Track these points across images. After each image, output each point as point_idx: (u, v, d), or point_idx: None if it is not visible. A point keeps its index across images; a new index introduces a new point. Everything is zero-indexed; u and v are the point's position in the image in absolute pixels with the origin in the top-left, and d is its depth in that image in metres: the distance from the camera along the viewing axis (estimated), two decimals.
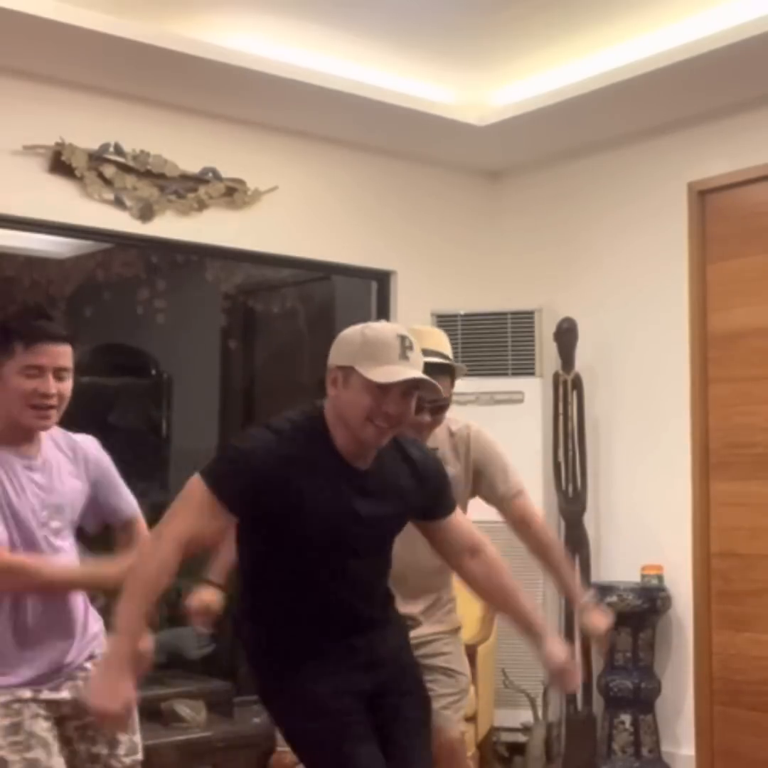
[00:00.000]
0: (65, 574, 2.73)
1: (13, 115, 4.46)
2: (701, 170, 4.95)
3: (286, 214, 5.18)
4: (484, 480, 3.28)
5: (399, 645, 2.73)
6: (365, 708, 2.58)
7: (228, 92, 4.74)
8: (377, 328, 2.50)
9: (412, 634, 2.93)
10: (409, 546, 2.78)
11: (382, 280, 5.60)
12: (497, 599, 2.76)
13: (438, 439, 3.19)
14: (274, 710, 2.66)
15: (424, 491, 2.63)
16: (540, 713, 4.99)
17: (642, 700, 4.79)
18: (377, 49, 4.65)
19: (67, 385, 2.68)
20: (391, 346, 2.44)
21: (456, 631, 3.38)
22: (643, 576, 4.92)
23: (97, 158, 4.64)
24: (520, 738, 5.04)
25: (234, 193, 5.02)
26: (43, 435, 2.73)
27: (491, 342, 5.40)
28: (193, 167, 4.91)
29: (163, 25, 4.31)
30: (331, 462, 2.49)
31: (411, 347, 2.46)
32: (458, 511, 2.73)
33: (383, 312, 5.57)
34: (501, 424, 5.27)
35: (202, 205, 4.93)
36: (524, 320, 5.37)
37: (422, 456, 2.68)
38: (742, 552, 4.76)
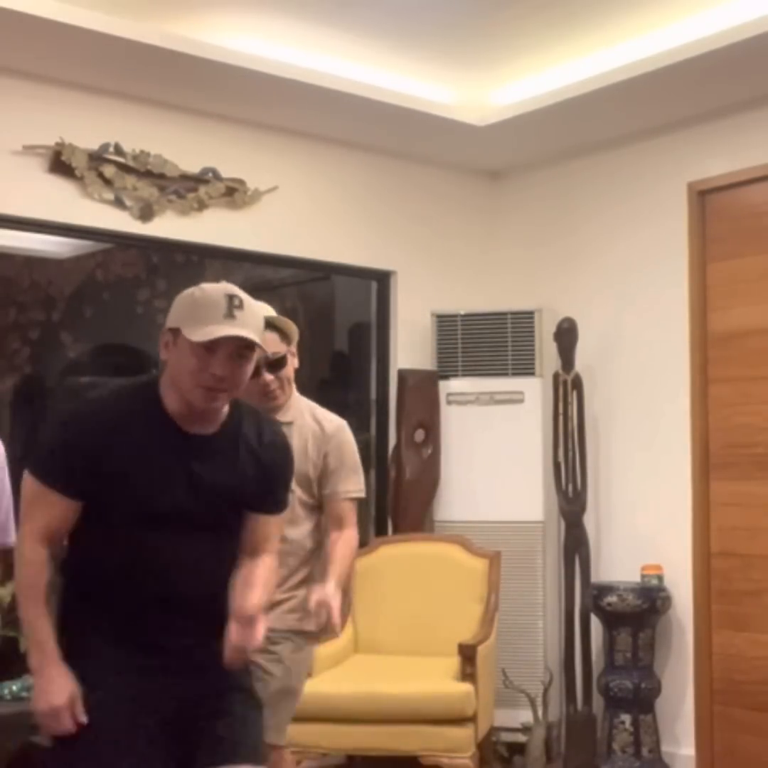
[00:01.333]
0: None
1: (13, 115, 4.46)
2: (701, 170, 4.95)
3: (286, 214, 5.19)
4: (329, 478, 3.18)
5: (227, 686, 2.47)
6: (160, 734, 2.37)
7: (228, 92, 4.74)
8: (207, 288, 2.41)
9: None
10: None
11: (382, 280, 5.60)
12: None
13: (298, 415, 3.13)
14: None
15: (263, 478, 2.50)
16: (540, 713, 4.99)
17: (642, 700, 4.79)
18: (377, 49, 4.65)
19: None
20: (218, 305, 2.36)
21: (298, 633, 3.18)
22: (643, 576, 4.93)
23: (97, 158, 4.64)
24: (520, 738, 5.05)
25: (234, 193, 5.02)
26: None
27: (491, 342, 5.40)
28: (193, 167, 4.91)
29: (163, 25, 4.31)
30: (160, 427, 2.40)
31: (240, 306, 2.37)
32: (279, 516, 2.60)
33: (383, 312, 5.58)
34: (501, 424, 5.32)
35: (202, 205, 4.93)
36: (524, 320, 5.37)
37: (273, 439, 2.56)
38: (742, 552, 4.75)
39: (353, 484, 3.20)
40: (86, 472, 2.35)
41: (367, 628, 4.88)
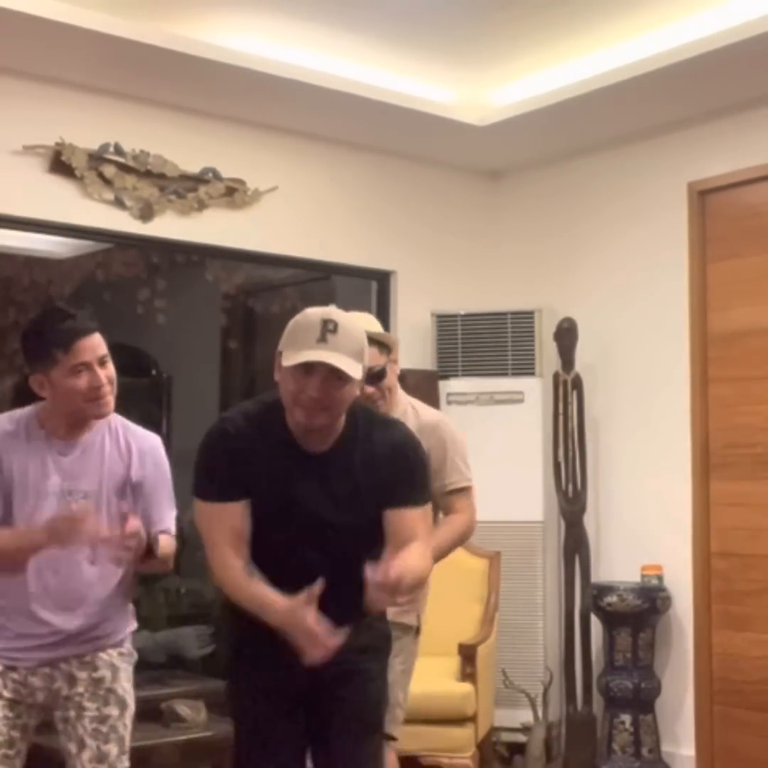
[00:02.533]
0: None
1: (13, 115, 4.46)
2: (701, 170, 4.95)
3: (286, 214, 5.18)
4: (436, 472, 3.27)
5: (357, 647, 2.58)
6: (297, 708, 2.64)
7: (228, 92, 4.74)
8: (308, 312, 2.51)
9: None
10: None
11: (382, 280, 5.60)
12: None
13: (402, 415, 3.25)
14: (226, 689, 2.77)
15: (388, 476, 2.55)
16: (540, 713, 4.99)
17: (642, 700, 4.79)
18: (377, 48, 4.65)
19: (112, 369, 2.81)
20: (312, 329, 2.46)
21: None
22: (643, 576, 4.93)
23: (97, 158, 4.64)
24: (520, 738, 5.05)
25: (234, 193, 5.02)
26: (95, 423, 2.83)
27: (491, 342, 5.40)
28: (193, 167, 4.91)
29: (163, 25, 4.30)
30: (284, 444, 2.54)
31: (334, 330, 2.45)
32: (421, 509, 2.63)
33: (383, 312, 5.57)
34: (501, 424, 5.32)
35: (202, 205, 4.93)
36: (524, 320, 5.37)
37: (392, 438, 2.61)
38: (742, 552, 4.75)
39: (457, 475, 3.43)
40: (236, 481, 2.52)
41: None
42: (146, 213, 4.78)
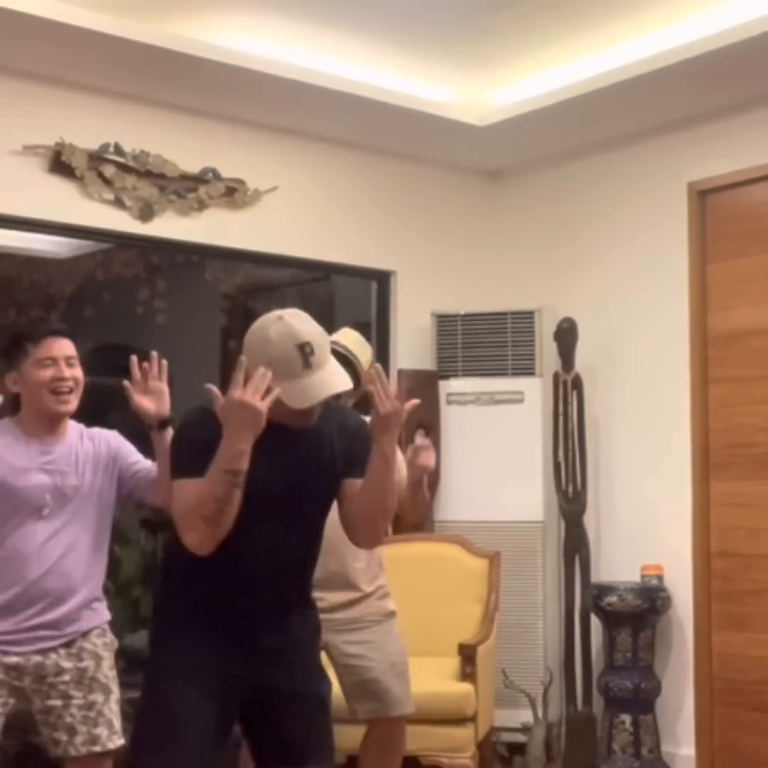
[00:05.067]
0: None
1: (13, 115, 4.46)
2: (701, 170, 4.95)
3: (286, 214, 5.18)
4: None
5: (298, 639, 2.78)
6: (232, 706, 2.70)
7: (228, 92, 4.74)
8: (276, 343, 2.54)
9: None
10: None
11: (382, 280, 5.60)
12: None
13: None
14: (147, 668, 2.78)
15: (351, 452, 2.73)
16: (540, 713, 4.99)
17: (642, 700, 4.79)
18: (377, 49, 4.65)
19: (79, 372, 3.06)
20: (293, 359, 2.54)
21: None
22: (643, 576, 4.92)
23: (97, 158, 4.64)
24: (520, 738, 5.05)
25: (234, 193, 5.02)
26: (69, 427, 3.08)
27: (491, 342, 5.40)
28: (193, 167, 4.91)
29: (163, 25, 4.31)
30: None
31: (312, 353, 2.54)
32: None
33: (383, 312, 5.57)
34: (501, 424, 5.32)
35: (202, 205, 4.93)
36: (524, 320, 5.37)
37: (356, 420, 2.83)
38: (742, 552, 4.75)
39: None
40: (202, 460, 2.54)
41: None
42: (146, 213, 4.78)
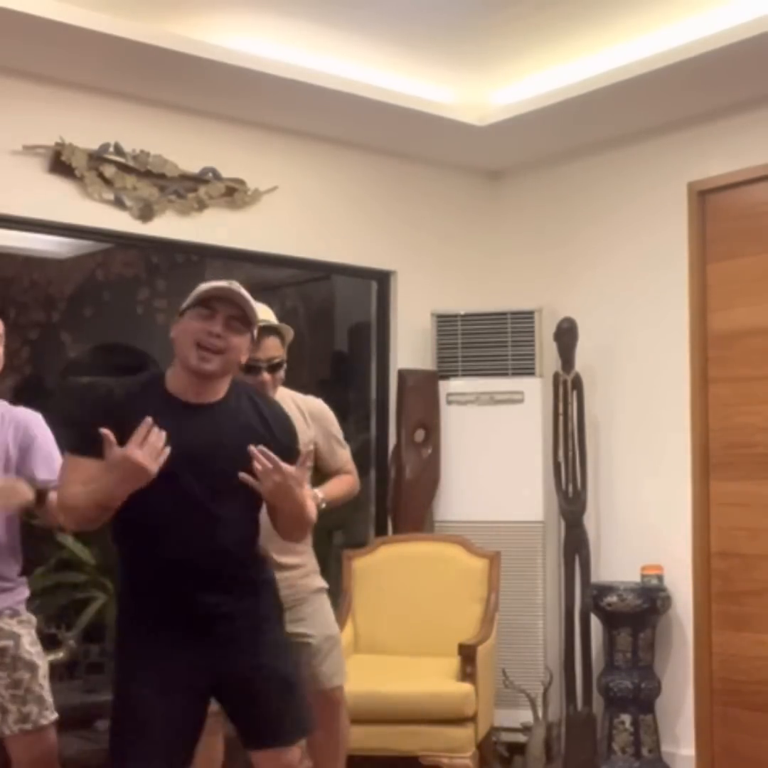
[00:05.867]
0: None
1: (13, 115, 4.46)
2: (701, 170, 4.95)
3: (286, 214, 5.18)
4: (321, 451, 3.66)
5: (253, 616, 2.82)
6: (196, 696, 2.75)
7: (228, 92, 4.74)
8: (203, 284, 2.81)
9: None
10: None
11: (382, 280, 5.60)
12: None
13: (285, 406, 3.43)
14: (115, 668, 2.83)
15: (275, 444, 2.77)
16: (540, 713, 4.99)
17: (642, 700, 4.79)
18: (377, 49, 4.65)
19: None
20: (210, 288, 2.77)
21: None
22: (643, 576, 4.92)
23: (97, 158, 4.64)
24: (520, 738, 5.05)
25: (234, 193, 5.02)
26: None
27: (491, 342, 5.40)
28: (193, 167, 4.91)
29: (163, 25, 4.31)
30: (165, 401, 2.75)
31: (232, 285, 2.78)
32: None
33: (383, 312, 5.57)
34: (501, 424, 5.32)
35: (202, 205, 4.93)
36: (524, 320, 5.37)
37: (275, 411, 2.94)
38: (742, 552, 4.75)
39: (343, 453, 3.74)
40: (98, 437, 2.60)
41: (367, 628, 4.88)
42: (146, 213, 4.78)
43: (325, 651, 3.61)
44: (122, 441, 2.57)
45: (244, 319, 2.79)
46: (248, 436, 2.75)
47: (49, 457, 3.20)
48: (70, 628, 5.02)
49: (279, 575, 3.09)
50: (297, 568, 3.57)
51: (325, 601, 3.71)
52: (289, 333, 3.56)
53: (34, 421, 3.25)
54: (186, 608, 2.73)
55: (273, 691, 2.81)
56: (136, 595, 2.78)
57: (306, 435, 3.45)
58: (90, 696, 5.11)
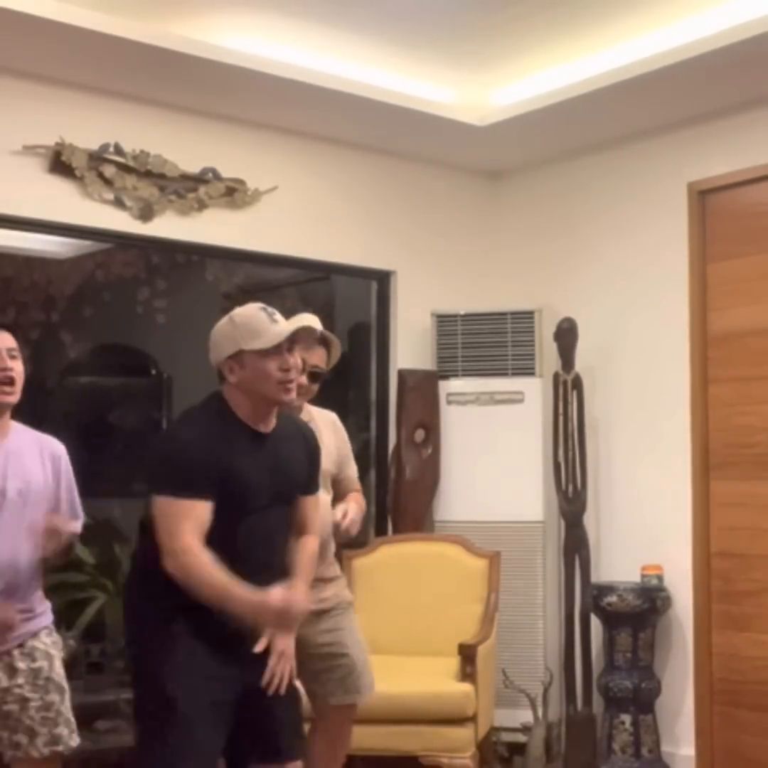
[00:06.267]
0: None
1: (13, 115, 4.46)
2: (701, 170, 4.95)
3: (286, 214, 5.18)
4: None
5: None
6: (228, 709, 2.75)
7: (228, 92, 4.74)
8: (240, 311, 2.83)
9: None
10: None
11: (382, 280, 5.60)
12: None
13: (311, 417, 3.51)
14: (145, 669, 2.80)
15: (309, 464, 2.95)
16: (540, 713, 4.99)
17: (642, 700, 4.79)
18: (377, 49, 4.65)
19: (20, 366, 3.09)
20: (260, 318, 2.79)
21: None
22: (643, 576, 4.92)
23: (97, 158, 4.64)
24: (520, 738, 5.05)
25: (234, 193, 5.02)
26: (10, 425, 3.07)
27: (491, 342, 5.40)
28: (193, 167, 4.91)
29: (163, 25, 4.31)
30: (242, 431, 2.79)
31: (274, 314, 2.81)
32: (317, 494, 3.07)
33: (383, 312, 5.57)
34: (501, 424, 5.32)
35: (202, 205, 4.93)
36: (524, 320, 5.37)
37: (310, 432, 3.03)
38: (742, 552, 4.75)
39: (354, 467, 3.79)
40: (209, 479, 2.69)
41: (367, 628, 4.84)
42: (146, 213, 4.78)
43: (361, 664, 3.63)
44: (225, 475, 2.68)
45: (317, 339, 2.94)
46: (298, 464, 2.91)
47: (74, 500, 3.18)
48: (71, 628, 5.02)
49: (328, 586, 3.35)
50: (339, 578, 3.67)
51: (354, 615, 3.75)
52: (337, 351, 3.61)
53: (64, 456, 3.19)
54: (229, 623, 2.72)
55: (285, 708, 2.85)
56: (193, 611, 2.70)
57: (329, 455, 3.49)
58: (90, 696, 5.10)
